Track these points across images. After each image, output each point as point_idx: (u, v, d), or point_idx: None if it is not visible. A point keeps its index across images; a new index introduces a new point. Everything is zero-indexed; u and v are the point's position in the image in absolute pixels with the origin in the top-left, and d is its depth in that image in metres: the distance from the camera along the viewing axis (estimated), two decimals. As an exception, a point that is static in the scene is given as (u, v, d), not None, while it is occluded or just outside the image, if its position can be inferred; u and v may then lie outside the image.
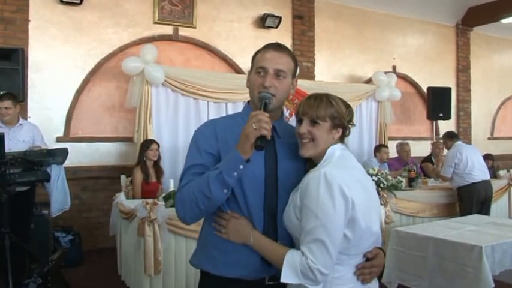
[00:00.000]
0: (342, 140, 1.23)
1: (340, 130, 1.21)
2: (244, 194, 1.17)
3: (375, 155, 4.91)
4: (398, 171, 4.44)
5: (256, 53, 1.27)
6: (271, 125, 1.08)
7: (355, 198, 1.09)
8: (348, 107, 1.23)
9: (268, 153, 1.21)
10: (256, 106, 1.18)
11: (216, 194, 1.10)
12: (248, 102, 1.31)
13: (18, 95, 3.60)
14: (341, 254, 1.10)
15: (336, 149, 1.19)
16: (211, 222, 1.22)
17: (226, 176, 1.08)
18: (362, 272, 1.15)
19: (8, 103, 3.24)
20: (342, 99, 1.23)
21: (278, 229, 1.18)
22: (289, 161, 1.22)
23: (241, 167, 1.09)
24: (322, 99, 1.20)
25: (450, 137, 4.29)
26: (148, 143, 3.82)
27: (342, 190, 1.07)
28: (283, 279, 1.07)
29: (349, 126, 1.23)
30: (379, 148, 4.95)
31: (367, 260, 1.17)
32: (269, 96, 1.17)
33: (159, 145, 3.85)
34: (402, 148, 5.08)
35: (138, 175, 3.67)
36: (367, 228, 1.12)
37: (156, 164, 3.82)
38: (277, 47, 1.24)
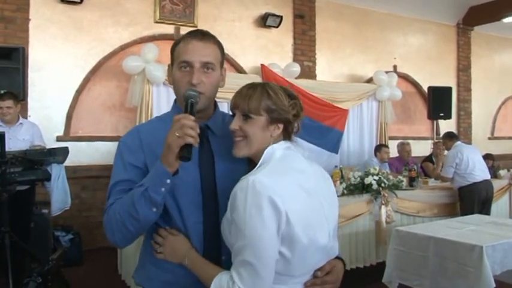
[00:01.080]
0: (287, 137, 1.05)
1: (281, 126, 1.02)
2: (179, 207, 1.03)
3: (376, 155, 4.90)
4: (400, 173, 4.43)
5: (176, 44, 1.10)
6: (197, 129, 0.93)
7: (292, 211, 0.92)
8: (292, 97, 1.04)
9: (203, 157, 1.06)
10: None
11: (143, 214, 0.96)
12: (175, 100, 1.15)
13: (18, 94, 3.59)
14: (281, 275, 0.95)
15: (276, 149, 1.01)
16: (149, 237, 1.09)
17: (153, 193, 0.94)
18: None
19: (9, 102, 3.24)
20: (286, 89, 1.05)
21: (221, 244, 1.03)
22: (230, 162, 1.05)
23: (168, 181, 0.94)
24: (256, 88, 1.02)
25: (449, 137, 4.27)
26: None
27: (274, 202, 0.90)
28: None
29: (296, 120, 1.04)
30: (380, 148, 4.94)
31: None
32: (195, 95, 1.00)
33: None
34: (403, 148, 5.07)
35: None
36: (310, 244, 0.95)
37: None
38: (200, 35, 1.07)
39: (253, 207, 0.90)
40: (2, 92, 3.36)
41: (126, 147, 1.08)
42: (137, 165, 1.05)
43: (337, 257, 1.07)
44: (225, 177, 1.04)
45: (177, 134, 0.91)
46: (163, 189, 0.95)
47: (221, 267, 1.00)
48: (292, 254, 0.94)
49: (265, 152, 1.00)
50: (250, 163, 1.05)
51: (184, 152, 0.92)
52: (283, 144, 1.03)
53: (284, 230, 0.92)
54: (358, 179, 3.65)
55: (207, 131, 1.09)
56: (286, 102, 1.02)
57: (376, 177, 3.61)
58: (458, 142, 4.23)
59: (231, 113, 1.08)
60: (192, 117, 0.94)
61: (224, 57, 1.14)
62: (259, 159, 1.00)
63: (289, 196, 0.94)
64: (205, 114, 1.10)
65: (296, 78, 5.10)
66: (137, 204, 0.95)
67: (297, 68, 5.13)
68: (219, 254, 1.04)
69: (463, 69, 7.23)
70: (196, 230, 1.04)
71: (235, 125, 1.02)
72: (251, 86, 1.04)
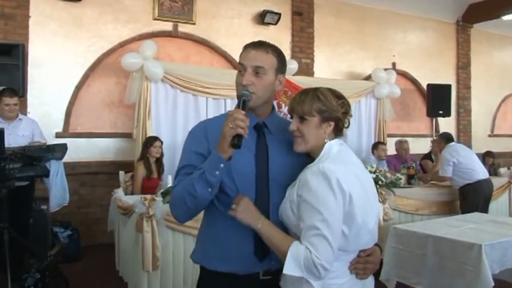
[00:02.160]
0: (339, 132, 1.21)
1: (332, 123, 1.18)
2: (236, 187, 1.18)
3: (373, 152, 4.87)
4: (398, 171, 4.39)
5: (242, 51, 1.27)
6: (247, 122, 1.08)
7: (353, 193, 1.08)
8: (340, 97, 1.20)
9: (259, 148, 1.21)
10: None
11: (200, 193, 1.12)
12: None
13: (18, 91, 3.58)
14: (338, 250, 1.08)
15: (334, 145, 1.18)
16: (208, 218, 1.24)
17: (209, 175, 1.10)
18: (356, 267, 1.14)
19: (15, 99, 3.31)
20: (333, 91, 1.21)
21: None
22: (283, 156, 1.22)
23: (222, 165, 1.10)
24: (308, 94, 1.19)
25: (446, 139, 4.11)
26: (151, 140, 3.78)
27: (340, 184, 1.06)
28: (286, 271, 1.05)
29: (345, 117, 1.20)
30: (377, 145, 4.90)
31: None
32: (247, 94, 1.17)
33: (162, 142, 3.82)
34: (401, 146, 5.03)
35: (141, 170, 3.63)
36: (363, 224, 1.11)
37: (158, 161, 3.80)
38: (256, 44, 1.23)
39: (325, 188, 1.06)
40: (1, 88, 3.35)
41: (192, 136, 1.25)
42: (201, 152, 1.20)
43: (376, 244, 1.22)
44: (277, 167, 1.20)
45: (230, 125, 1.07)
46: (217, 172, 1.10)
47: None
48: (349, 231, 1.09)
49: (325, 147, 1.17)
50: (309, 157, 1.20)
51: (235, 140, 1.07)
52: (338, 141, 1.20)
53: (347, 209, 1.08)
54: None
55: (264, 127, 1.24)
56: (335, 102, 1.18)
57: (374, 175, 3.59)
58: (453, 143, 4.13)
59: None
60: (243, 112, 1.10)
61: (284, 65, 1.26)
62: (317, 153, 1.17)
63: (350, 182, 1.09)
64: (262, 113, 1.25)
65: (294, 75, 5.06)
66: (196, 184, 1.11)
67: (294, 66, 5.09)
68: None
69: (463, 66, 7.18)
70: None
71: (293, 126, 1.19)
72: (303, 92, 1.21)
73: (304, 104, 1.17)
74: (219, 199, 1.20)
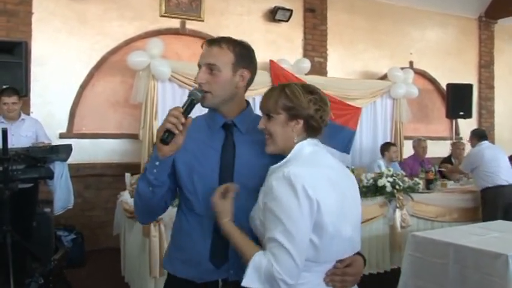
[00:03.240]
0: (314, 132, 1.15)
1: (301, 121, 1.13)
2: (196, 192, 1.19)
3: (383, 155, 4.81)
4: (416, 175, 4.38)
5: None
6: (181, 119, 1.07)
7: (322, 200, 1.03)
8: (313, 93, 1.14)
9: (225, 150, 1.20)
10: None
11: (143, 191, 1.16)
12: None
13: (21, 89, 3.63)
14: (308, 261, 1.05)
15: (305, 146, 1.13)
16: (175, 219, 1.28)
17: (148, 173, 1.13)
18: (332, 279, 1.09)
19: (14, 98, 3.31)
20: (306, 86, 1.16)
21: None
22: (253, 157, 1.18)
23: (157, 163, 1.12)
24: (275, 89, 1.16)
25: (478, 136, 4.19)
26: None
27: (306, 191, 1.02)
28: (245, 283, 1.02)
29: (320, 114, 1.14)
30: (388, 147, 4.84)
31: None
32: (196, 93, 1.16)
33: None
34: (419, 143, 5.00)
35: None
36: (336, 233, 1.06)
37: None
38: (211, 40, 1.22)
39: (290, 195, 1.02)
40: (4, 87, 3.41)
41: None
42: None
43: (359, 253, 1.17)
44: (243, 170, 1.18)
45: (163, 122, 1.09)
46: (155, 170, 1.12)
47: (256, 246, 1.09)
48: (320, 241, 1.05)
49: (295, 148, 1.12)
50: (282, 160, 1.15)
51: (163, 136, 1.08)
52: (311, 141, 1.15)
53: (316, 217, 1.03)
54: (371, 180, 3.61)
55: (232, 127, 1.22)
56: (304, 98, 1.12)
57: (391, 179, 3.56)
58: (485, 142, 4.16)
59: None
60: (181, 109, 1.10)
61: (246, 58, 1.23)
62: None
63: (320, 187, 1.04)
64: (230, 112, 1.23)
65: (306, 74, 5.06)
66: (139, 183, 1.17)
67: (307, 64, 5.10)
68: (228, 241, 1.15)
69: (485, 65, 7.08)
70: (209, 215, 1.15)
71: (261, 124, 1.16)
72: (272, 88, 1.18)
73: (270, 100, 1.14)
74: (185, 203, 1.22)
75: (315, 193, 1.02)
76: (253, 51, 1.24)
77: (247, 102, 1.28)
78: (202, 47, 1.23)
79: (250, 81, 1.24)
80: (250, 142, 1.20)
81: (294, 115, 1.12)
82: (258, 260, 1.02)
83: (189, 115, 1.12)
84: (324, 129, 1.18)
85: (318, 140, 1.16)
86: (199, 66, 1.21)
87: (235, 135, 1.22)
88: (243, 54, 1.22)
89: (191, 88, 4.77)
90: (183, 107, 1.11)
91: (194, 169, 1.17)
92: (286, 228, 1.00)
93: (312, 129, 1.15)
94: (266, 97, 1.16)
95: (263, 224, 1.06)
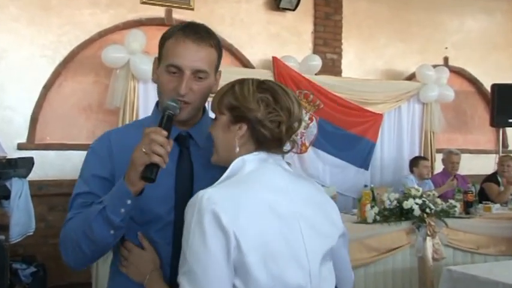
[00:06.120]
0: (264, 144, 1.05)
1: (244, 126, 1.04)
2: (148, 224, 1.13)
3: (412, 171, 4.88)
4: (443, 187, 4.38)
5: (166, 37, 1.19)
6: (168, 148, 1.00)
7: (245, 234, 0.93)
8: (265, 91, 1.05)
9: (180, 168, 1.14)
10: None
11: (100, 236, 1.05)
12: (157, 103, 1.26)
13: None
14: None
15: (247, 161, 1.03)
16: (120, 245, 1.20)
17: (111, 213, 1.02)
18: None
19: None
20: (263, 81, 1.08)
21: None
22: (212, 176, 1.08)
23: (129, 202, 1.03)
24: (227, 85, 1.10)
25: None
26: None
27: (218, 219, 0.92)
28: None
29: (266, 120, 1.03)
30: (417, 161, 4.90)
31: None
32: (175, 107, 1.08)
33: None
34: (448, 157, 5.02)
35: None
36: (273, 283, 0.94)
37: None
38: (197, 34, 1.13)
39: (196, 225, 0.94)
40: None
41: (93, 154, 1.19)
42: (103, 176, 1.15)
43: None
44: None
45: (143, 150, 0.99)
46: (123, 210, 1.03)
47: None
48: None
49: (233, 163, 1.03)
50: None
51: (147, 172, 0.99)
52: (257, 155, 1.05)
53: (235, 257, 0.94)
54: (395, 202, 3.64)
55: (188, 139, 1.18)
56: (252, 96, 1.04)
57: (419, 201, 3.60)
58: None
59: None
60: (165, 133, 1.01)
61: (221, 59, 1.22)
62: None
63: (246, 216, 0.95)
64: (189, 122, 1.19)
65: (316, 74, 5.15)
66: (93, 224, 1.04)
67: (317, 62, 5.18)
68: None
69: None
70: (164, 252, 1.13)
71: (209, 128, 1.12)
72: (227, 84, 1.11)
73: (215, 98, 1.09)
74: (134, 234, 1.15)
75: (234, 223, 0.93)
76: None
77: (203, 107, 1.23)
78: (180, 39, 1.13)
79: None
80: (209, 159, 1.12)
81: (237, 117, 1.04)
82: None
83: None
84: (288, 142, 1.08)
85: (276, 155, 1.07)
86: (178, 67, 1.12)
87: (192, 150, 1.17)
88: (221, 52, 1.20)
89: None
90: (160, 125, 1.03)
91: (144, 197, 1.07)
92: (190, 267, 0.94)
93: (263, 139, 1.04)
94: (216, 93, 1.12)
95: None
